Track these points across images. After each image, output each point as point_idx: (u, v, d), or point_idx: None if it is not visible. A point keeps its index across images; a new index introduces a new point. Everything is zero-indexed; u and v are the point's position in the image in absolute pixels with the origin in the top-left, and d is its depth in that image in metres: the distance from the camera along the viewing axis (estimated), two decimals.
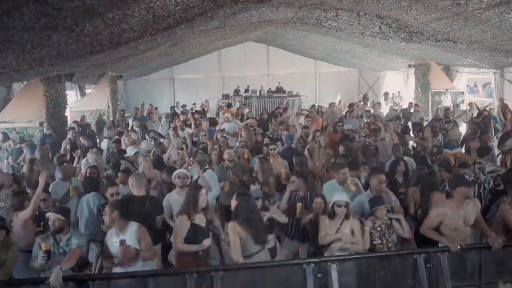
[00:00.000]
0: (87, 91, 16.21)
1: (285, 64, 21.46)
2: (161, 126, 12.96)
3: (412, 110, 13.24)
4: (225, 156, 6.54)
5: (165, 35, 8.12)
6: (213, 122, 10.53)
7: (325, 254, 4.14)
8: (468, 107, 12.86)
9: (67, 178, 6.13)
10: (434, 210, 4.18)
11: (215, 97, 19.11)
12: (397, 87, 19.70)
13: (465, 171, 5.46)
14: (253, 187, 4.81)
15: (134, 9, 5.58)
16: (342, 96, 20.17)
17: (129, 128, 11.26)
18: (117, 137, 9.16)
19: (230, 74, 21.46)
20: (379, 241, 4.19)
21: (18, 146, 8.94)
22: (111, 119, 13.68)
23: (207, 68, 21.15)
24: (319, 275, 3.61)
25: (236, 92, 18.68)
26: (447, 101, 14.56)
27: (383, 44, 12.15)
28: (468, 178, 4.52)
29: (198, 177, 5.72)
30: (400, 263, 3.93)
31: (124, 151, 7.85)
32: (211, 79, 21.68)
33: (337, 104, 14.81)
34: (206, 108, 16.46)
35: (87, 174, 6.17)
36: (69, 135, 9.69)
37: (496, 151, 7.77)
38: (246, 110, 13.62)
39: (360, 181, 5.42)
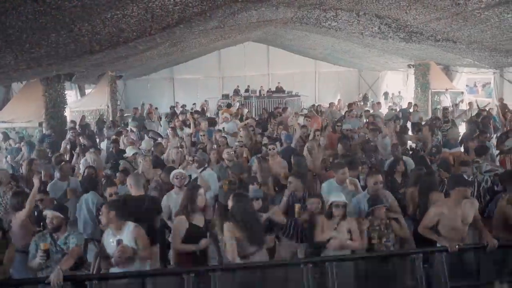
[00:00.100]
0: (87, 91, 16.20)
1: (285, 64, 21.44)
2: (161, 126, 12.95)
3: (411, 110, 13.23)
4: (225, 155, 6.54)
5: (164, 35, 8.13)
6: (212, 122, 10.53)
7: (323, 254, 4.13)
8: (468, 107, 12.87)
9: (65, 177, 6.13)
10: (432, 210, 4.18)
11: (215, 97, 19.10)
12: (396, 87, 19.70)
13: (465, 169, 5.46)
14: (252, 187, 4.80)
15: (132, 9, 5.59)
16: (342, 96, 20.14)
17: (128, 129, 11.25)
18: (114, 137, 9.15)
19: (230, 74, 21.45)
20: (378, 241, 4.19)
21: (17, 145, 8.95)
22: (110, 119, 13.66)
23: (207, 68, 21.14)
24: (317, 275, 3.61)
25: (236, 92, 18.68)
26: (446, 101, 14.54)
27: (383, 44, 12.15)
28: (466, 178, 4.51)
29: (197, 176, 5.71)
30: (398, 263, 3.93)
31: (123, 151, 7.85)
32: (211, 79, 21.66)
33: (336, 104, 14.77)
34: (205, 108, 16.46)
35: (85, 174, 6.17)
36: (69, 135, 9.70)
37: (495, 151, 7.78)
38: (246, 111, 13.61)
39: (359, 182, 5.42)
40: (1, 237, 3.96)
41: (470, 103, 13.21)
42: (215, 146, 7.83)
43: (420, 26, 8.74)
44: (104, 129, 12.20)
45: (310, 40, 15.04)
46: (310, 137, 7.67)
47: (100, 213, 4.08)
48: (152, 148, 7.78)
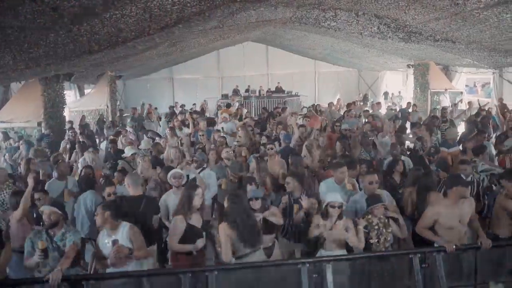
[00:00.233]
0: (86, 91, 16.20)
1: (284, 64, 21.43)
2: (160, 126, 12.96)
3: (410, 110, 13.22)
4: (224, 155, 6.54)
5: (163, 35, 8.12)
6: (211, 122, 10.53)
7: (319, 252, 4.12)
8: (467, 106, 12.87)
9: (62, 177, 6.12)
10: (429, 209, 4.18)
11: (214, 97, 19.10)
12: (396, 87, 19.69)
13: (465, 167, 5.47)
14: (249, 187, 4.79)
15: (131, 8, 5.58)
16: (342, 96, 20.14)
17: (127, 128, 11.25)
18: (112, 137, 9.16)
19: (229, 74, 21.44)
20: (376, 240, 4.18)
21: (16, 144, 8.96)
22: (110, 119, 13.67)
23: (206, 68, 21.13)
24: (314, 275, 3.61)
25: (235, 92, 18.68)
26: (446, 101, 14.55)
27: (382, 44, 12.14)
28: (464, 178, 4.52)
29: (195, 176, 5.71)
30: (395, 263, 3.93)
31: (121, 151, 7.85)
32: (210, 79, 21.65)
33: (336, 104, 14.76)
34: (205, 108, 16.47)
35: (82, 174, 6.17)
36: (68, 135, 9.70)
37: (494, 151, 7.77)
38: (245, 111, 13.61)
39: (358, 183, 5.41)
40: None
41: (469, 103, 13.22)
42: (213, 146, 7.82)
43: (419, 26, 8.74)
44: (104, 129, 12.22)
45: (309, 40, 15.03)
46: (312, 136, 7.65)
47: (95, 213, 4.07)
48: (151, 148, 7.77)
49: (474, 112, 11.47)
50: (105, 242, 3.86)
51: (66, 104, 12.21)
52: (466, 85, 17.10)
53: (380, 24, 9.31)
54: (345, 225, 4.07)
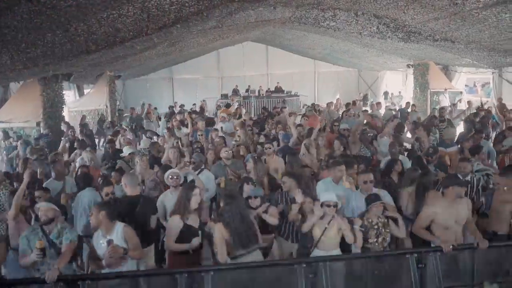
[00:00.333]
0: (86, 91, 16.20)
1: (284, 64, 21.40)
2: (159, 126, 12.96)
3: (409, 110, 13.21)
4: (223, 154, 6.53)
5: (161, 35, 8.11)
6: (210, 122, 10.53)
7: (314, 252, 4.10)
8: (467, 106, 12.86)
9: (60, 177, 6.11)
10: (425, 209, 4.17)
11: (214, 97, 19.09)
12: (396, 87, 19.67)
13: (465, 165, 5.46)
14: (246, 187, 4.78)
15: (128, 8, 5.57)
16: (341, 96, 20.13)
17: (124, 128, 11.25)
18: (110, 137, 9.16)
19: (229, 74, 21.42)
20: (375, 239, 4.16)
21: (14, 144, 8.99)
22: (109, 119, 13.67)
23: (206, 68, 21.11)
24: (310, 275, 3.59)
25: (235, 92, 18.68)
26: (445, 101, 14.53)
27: (381, 44, 12.13)
28: (460, 178, 4.51)
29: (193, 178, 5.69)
30: (392, 263, 3.91)
31: (120, 151, 7.85)
32: (210, 79, 21.63)
33: (335, 103, 14.73)
34: (204, 107, 16.47)
35: (79, 173, 6.17)
36: (66, 136, 9.71)
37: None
38: (244, 111, 13.61)
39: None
40: None
41: (469, 102, 13.21)
42: (210, 145, 7.82)
43: (418, 26, 8.73)
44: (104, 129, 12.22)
45: (309, 40, 15.02)
46: (313, 136, 7.65)
47: (90, 213, 4.06)
48: (149, 148, 7.77)
49: (474, 111, 11.46)
50: (100, 242, 3.84)
51: (65, 104, 12.22)
52: (466, 85, 17.07)
53: (379, 24, 9.30)
54: (339, 224, 4.05)
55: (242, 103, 16.62)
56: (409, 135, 8.95)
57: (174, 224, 4.13)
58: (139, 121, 13.04)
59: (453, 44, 9.72)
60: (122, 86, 19.87)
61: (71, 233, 3.90)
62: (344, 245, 4.27)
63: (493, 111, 11.34)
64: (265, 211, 4.47)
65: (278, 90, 19.52)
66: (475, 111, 11.31)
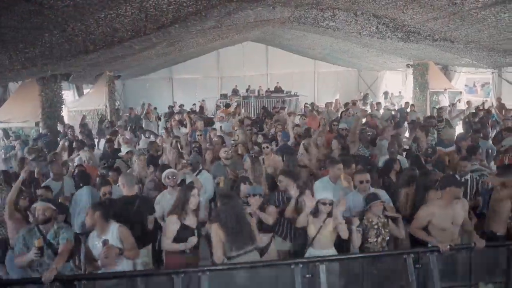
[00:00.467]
0: (85, 91, 16.20)
1: (283, 63, 21.37)
2: (158, 126, 12.96)
3: (408, 110, 13.19)
4: (222, 154, 6.52)
5: (160, 35, 8.10)
6: (209, 122, 10.52)
7: (308, 251, 4.08)
8: (466, 106, 12.85)
9: (59, 177, 6.10)
10: (422, 210, 4.15)
11: (214, 97, 19.08)
12: (395, 87, 19.66)
13: (465, 163, 5.44)
14: (244, 186, 4.77)
15: (126, 8, 5.56)
16: (341, 96, 20.12)
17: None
18: (108, 137, 9.16)
19: (228, 74, 21.40)
20: (375, 239, 4.13)
21: (13, 143, 8.99)
22: (108, 119, 13.67)
23: (205, 68, 21.10)
24: (307, 276, 3.58)
25: (234, 92, 18.67)
26: (445, 101, 14.51)
27: (381, 43, 12.12)
28: (458, 178, 4.50)
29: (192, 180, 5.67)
30: (390, 263, 3.90)
31: (118, 150, 7.85)
32: (209, 79, 21.61)
33: (334, 104, 14.70)
34: (204, 107, 16.48)
35: (75, 172, 6.18)
36: (65, 136, 9.71)
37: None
38: (242, 111, 13.61)
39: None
40: None
41: (468, 102, 13.20)
42: (208, 145, 7.81)
43: (418, 26, 8.72)
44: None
45: (309, 40, 15.01)
46: (313, 137, 7.63)
47: (85, 214, 4.06)
48: (147, 147, 7.77)
49: (472, 111, 11.45)
50: (95, 243, 3.83)
51: (64, 104, 12.22)
52: (466, 85, 17.06)
53: (379, 24, 9.30)
54: (335, 223, 4.03)
55: (241, 103, 16.61)
56: (407, 134, 8.95)
57: (171, 224, 4.12)
58: (138, 121, 13.03)
59: (452, 44, 9.72)
60: (122, 86, 19.87)
61: (68, 232, 3.89)
62: (342, 245, 4.26)
63: (493, 111, 11.33)
64: (263, 210, 4.47)
65: (278, 90, 19.51)
66: (474, 111, 11.31)
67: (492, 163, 7.42)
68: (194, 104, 17.32)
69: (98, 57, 8.84)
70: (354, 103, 13.75)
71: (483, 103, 12.61)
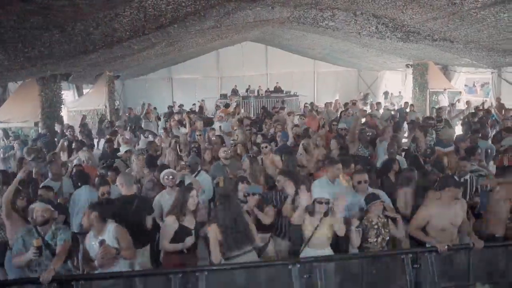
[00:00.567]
0: (85, 91, 16.20)
1: (283, 63, 21.37)
2: (158, 126, 12.95)
3: (408, 110, 13.19)
4: (221, 154, 6.51)
5: (159, 35, 8.10)
6: (208, 122, 10.52)
7: (305, 251, 4.07)
8: (466, 106, 12.84)
9: (57, 177, 6.09)
10: (421, 211, 4.14)
11: (213, 97, 19.08)
12: (395, 87, 19.65)
13: (465, 163, 5.43)
14: (242, 186, 4.76)
15: (124, 8, 5.56)
16: (341, 96, 20.11)
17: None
18: (108, 136, 9.15)
19: (228, 74, 21.39)
20: (375, 239, 4.12)
21: (12, 143, 8.99)
22: (108, 119, 13.67)
23: (205, 68, 21.09)
24: (305, 276, 3.58)
25: (234, 92, 18.66)
26: (444, 101, 14.50)
27: (381, 43, 12.12)
28: (456, 179, 4.49)
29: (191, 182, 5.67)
30: (388, 263, 3.89)
31: (118, 150, 7.84)
32: (209, 79, 21.61)
33: (333, 104, 14.70)
34: (203, 107, 16.48)
35: (73, 172, 6.17)
36: (64, 136, 9.70)
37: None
38: (242, 111, 13.60)
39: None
40: None
41: (467, 102, 13.19)
42: (206, 144, 7.81)
43: (417, 26, 8.72)
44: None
45: (308, 40, 15.00)
46: (313, 138, 7.62)
47: (82, 214, 4.05)
48: (146, 147, 7.76)
49: (472, 111, 11.44)
50: (92, 244, 3.82)
51: (63, 104, 12.21)
52: (466, 85, 17.05)
53: (378, 24, 9.29)
54: (331, 223, 4.02)
55: (241, 103, 16.61)
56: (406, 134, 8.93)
57: (169, 224, 4.12)
58: (137, 121, 13.03)
59: (452, 44, 9.71)
60: (122, 86, 19.87)
61: (65, 233, 3.88)
62: (340, 245, 4.25)
63: (492, 111, 11.32)
64: (261, 209, 4.47)
65: (277, 90, 19.51)
66: (473, 111, 11.30)
67: (491, 163, 7.41)
68: (194, 104, 17.32)
69: (97, 57, 8.85)
70: (353, 103, 13.75)
71: (482, 103, 12.59)
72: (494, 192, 4.40)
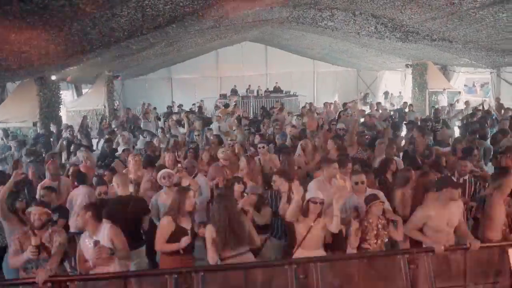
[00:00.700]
0: (84, 91, 16.19)
1: (283, 63, 21.35)
2: (158, 126, 12.92)
3: (407, 110, 13.18)
4: (220, 155, 6.49)
5: (157, 35, 8.10)
6: (207, 122, 10.52)
7: (298, 251, 4.06)
8: (465, 106, 12.83)
9: (55, 177, 6.08)
10: (418, 211, 4.12)
11: (213, 97, 19.07)
12: (395, 87, 19.65)
13: (465, 163, 5.40)
14: (238, 186, 4.75)
15: (122, 8, 5.55)
16: (340, 96, 20.11)
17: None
18: (107, 136, 9.15)
19: (227, 74, 21.39)
20: (374, 241, 4.09)
21: (9, 143, 8.99)
22: (106, 119, 13.66)
23: (204, 68, 21.09)
24: (301, 276, 3.57)
25: (234, 92, 18.66)
26: (444, 101, 14.49)
27: (380, 43, 12.12)
28: (454, 179, 4.47)
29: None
30: (385, 263, 3.88)
31: (116, 150, 7.83)
32: (208, 79, 21.60)
33: (332, 105, 14.68)
34: (202, 107, 16.46)
35: (71, 171, 6.17)
36: (67, 133, 9.70)
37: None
38: (240, 111, 13.59)
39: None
40: None
41: (466, 102, 13.19)
42: (204, 143, 7.80)
43: (416, 26, 8.72)
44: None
45: (308, 39, 15.00)
46: (315, 137, 7.59)
47: (76, 215, 4.04)
48: (144, 147, 7.75)
49: (471, 112, 11.44)
50: (86, 244, 3.81)
51: (62, 104, 12.19)
52: (465, 85, 17.04)
53: (377, 24, 9.29)
54: (324, 224, 4.00)
55: (240, 103, 16.61)
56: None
57: (166, 225, 4.10)
58: (136, 121, 13.02)
59: (451, 44, 9.71)
60: (121, 86, 19.86)
61: (61, 235, 3.88)
62: (339, 245, 4.24)
63: (491, 111, 11.31)
64: (259, 210, 4.46)
65: (277, 90, 19.50)
66: (472, 111, 11.29)
67: (490, 163, 7.39)
68: (194, 104, 17.32)
69: (95, 57, 8.84)
70: (352, 103, 13.75)
71: (482, 103, 12.58)
72: (490, 197, 4.35)
